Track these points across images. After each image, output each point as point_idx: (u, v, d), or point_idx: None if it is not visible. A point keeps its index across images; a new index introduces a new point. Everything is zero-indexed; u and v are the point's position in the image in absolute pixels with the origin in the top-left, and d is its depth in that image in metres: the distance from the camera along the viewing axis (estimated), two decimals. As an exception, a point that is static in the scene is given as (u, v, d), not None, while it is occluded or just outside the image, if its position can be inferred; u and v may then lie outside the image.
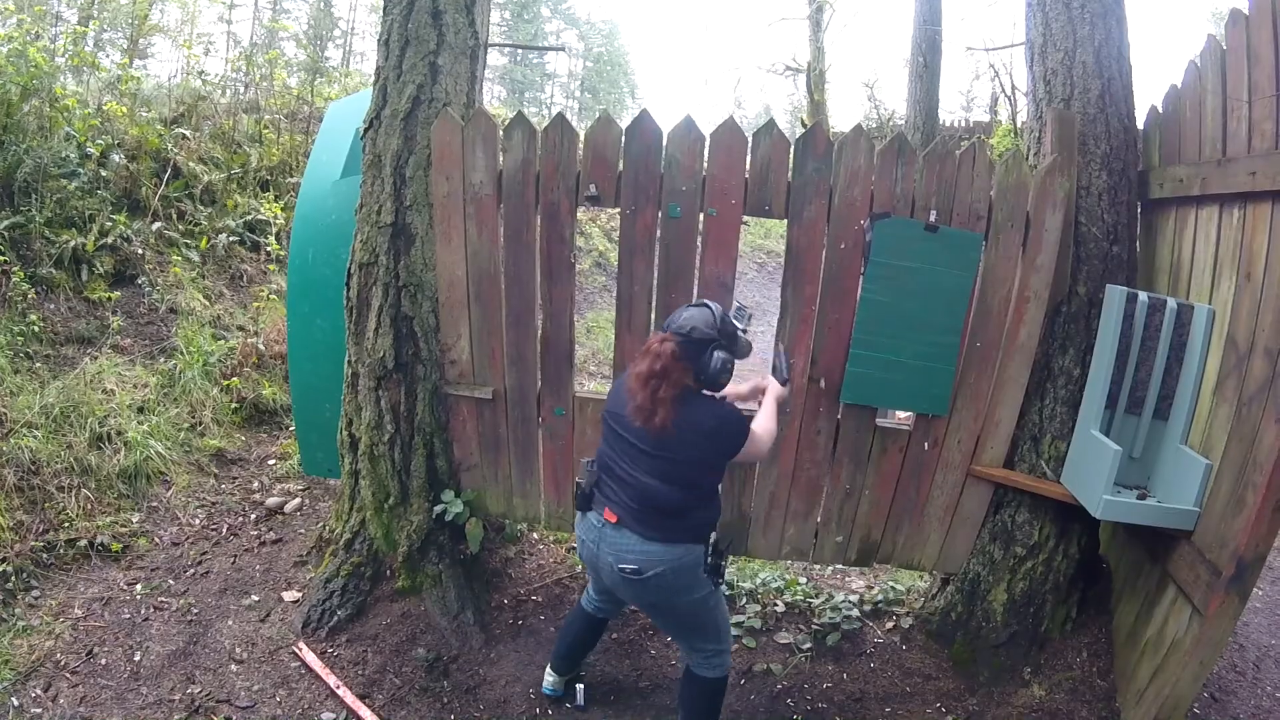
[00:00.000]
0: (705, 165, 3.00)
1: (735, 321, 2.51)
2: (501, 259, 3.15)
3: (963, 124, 13.89)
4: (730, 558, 2.74)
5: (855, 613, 3.63)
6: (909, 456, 3.19)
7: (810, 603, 3.78)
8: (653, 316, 3.16)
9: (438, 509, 3.34)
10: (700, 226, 3.07)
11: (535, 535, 3.89)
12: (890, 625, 3.63)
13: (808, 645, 3.50)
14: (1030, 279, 3.01)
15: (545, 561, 3.79)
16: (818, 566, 4.04)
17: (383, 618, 3.34)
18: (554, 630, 3.36)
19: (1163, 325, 2.91)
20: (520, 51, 33.97)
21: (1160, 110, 3.44)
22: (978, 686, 3.26)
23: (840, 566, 4.02)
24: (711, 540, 2.54)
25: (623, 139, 2.99)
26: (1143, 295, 2.91)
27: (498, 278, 3.17)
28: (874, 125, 13.00)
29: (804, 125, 12.58)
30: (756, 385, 2.86)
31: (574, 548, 3.65)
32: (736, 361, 2.47)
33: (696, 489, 2.43)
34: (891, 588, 3.79)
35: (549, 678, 3.06)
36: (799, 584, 3.86)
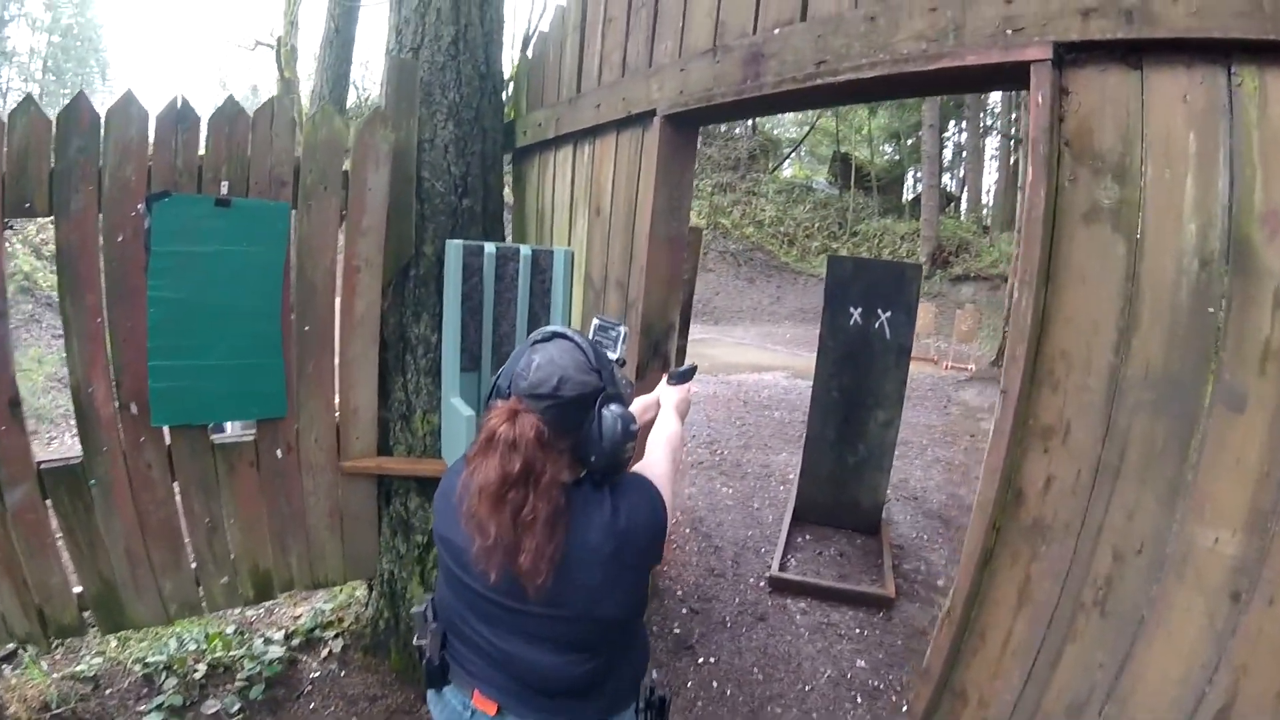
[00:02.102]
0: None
1: (607, 350, 1.57)
2: None
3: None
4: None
5: (278, 653, 3.10)
6: (264, 469, 2.66)
7: (233, 656, 3.15)
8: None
9: None
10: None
11: None
12: (325, 653, 3.17)
13: (238, 707, 2.91)
14: (358, 245, 2.67)
15: None
16: (250, 610, 3.43)
17: None
18: None
19: (519, 274, 2.77)
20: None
21: (529, 57, 3.33)
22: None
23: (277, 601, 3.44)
24: (643, 685, 1.55)
25: None
26: (489, 246, 2.72)
27: None
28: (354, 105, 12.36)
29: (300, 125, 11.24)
30: (646, 403, 1.81)
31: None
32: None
33: (611, 646, 1.39)
34: (320, 611, 3.31)
35: None
36: (221, 637, 3.19)
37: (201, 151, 2.46)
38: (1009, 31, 1.37)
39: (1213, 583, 1.23)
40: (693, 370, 1.82)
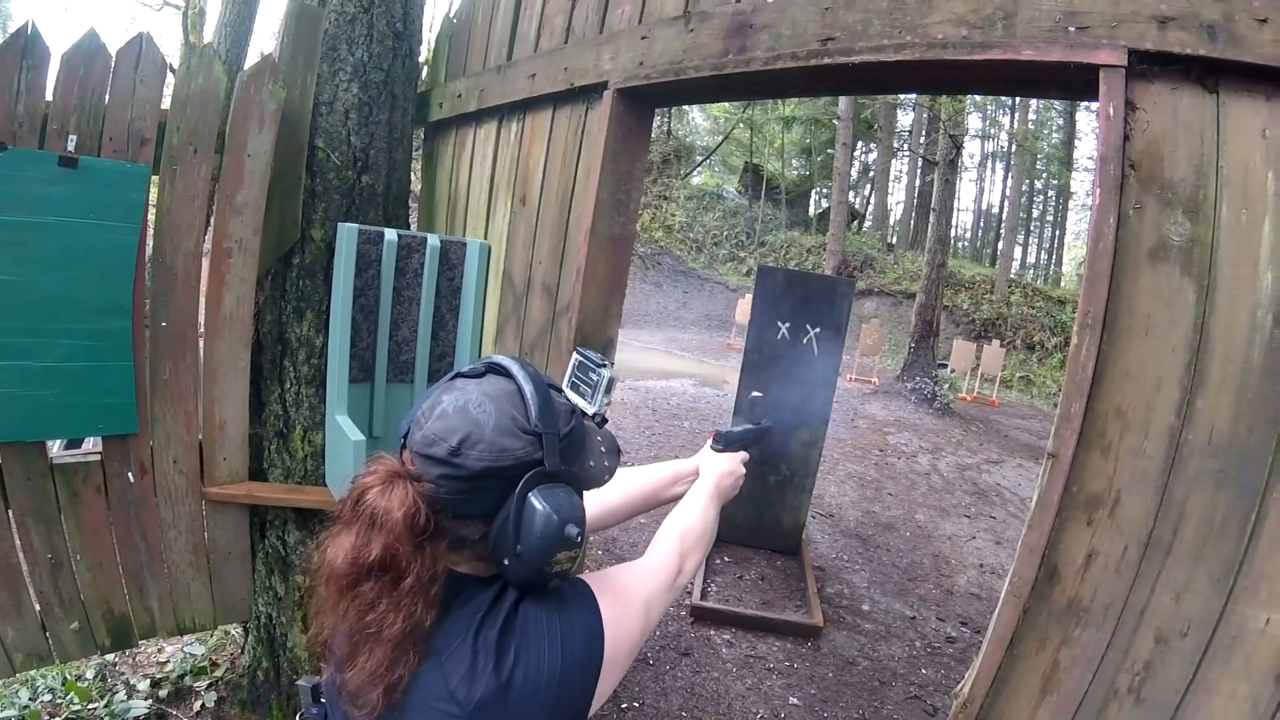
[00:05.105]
0: None
1: (583, 399, 1.12)
2: None
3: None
4: None
5: (142, 709, 2.66)
6: (114, 496, 2.20)
7: (92, 709, 2.66)
8: None
9: None
10: None
11: None
12: (198, 706, 2.72)
13: (94, 774, 2.44)
14: (230, 224, 2.24)
15: None
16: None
17: None
18: None
19: (424, 268, 2.41)
20: None
21: (454, 20, 2.97)
22: (312, 757, 2.57)
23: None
24: None
25: None
26: (390, 233, 2.35)
27: None
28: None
29: (172, 72, 10.28)
30: (679, 472, 1.38)
31: None
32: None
33: None
34: (190, 655, 2.85)
35: None
36: (78, 687, 2.69)
37: (50, 98, 1.99)
38: (1071, 29, 1.17)
39: (1260, 666, 1.09)
40: (764, 432, 1.42)
